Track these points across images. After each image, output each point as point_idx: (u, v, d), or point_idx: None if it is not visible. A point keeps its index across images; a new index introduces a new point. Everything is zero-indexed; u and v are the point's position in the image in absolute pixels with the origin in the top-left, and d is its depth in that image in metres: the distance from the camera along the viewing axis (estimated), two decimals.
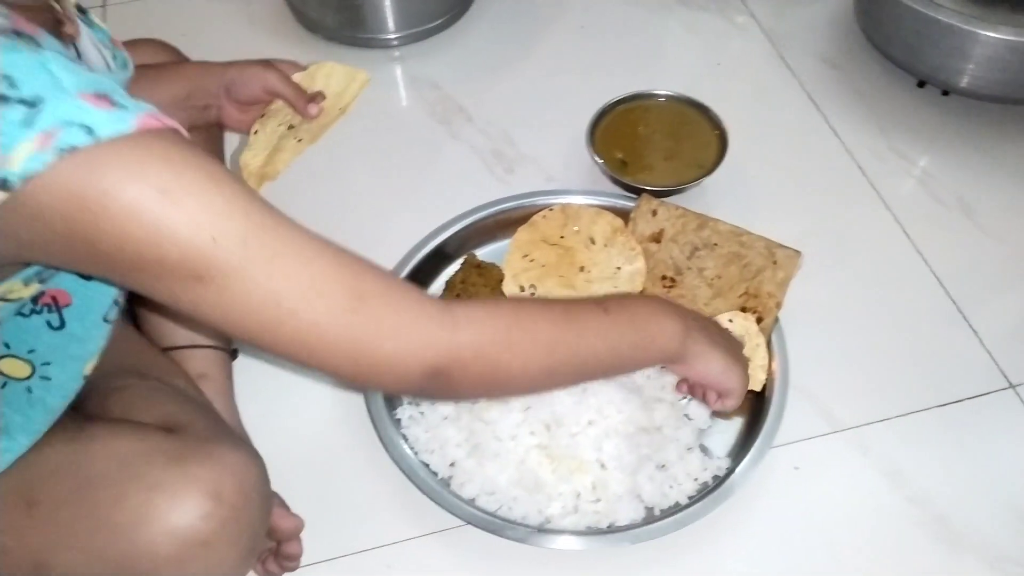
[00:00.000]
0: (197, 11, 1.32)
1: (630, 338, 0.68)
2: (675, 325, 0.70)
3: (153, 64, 0.83)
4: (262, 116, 0.85)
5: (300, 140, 0.85)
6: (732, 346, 0.77)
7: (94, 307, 0.65)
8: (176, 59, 0.86)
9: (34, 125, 0.44)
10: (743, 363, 0.77)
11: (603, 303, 0.67)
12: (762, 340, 0.86)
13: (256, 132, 0.85)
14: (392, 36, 1.22)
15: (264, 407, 0.87)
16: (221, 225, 0.48)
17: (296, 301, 0.51)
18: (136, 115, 0.46)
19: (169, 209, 0.46)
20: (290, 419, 0.88)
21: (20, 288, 0.56)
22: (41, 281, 0.58)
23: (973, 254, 1.00)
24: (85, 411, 0.71)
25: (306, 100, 0.83)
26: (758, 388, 0.84)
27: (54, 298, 0.63)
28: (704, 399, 0.79)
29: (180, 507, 0.59)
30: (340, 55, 1.22)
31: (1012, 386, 0.89)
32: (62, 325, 0.64)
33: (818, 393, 0.88)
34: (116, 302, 0.66)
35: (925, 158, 1.10)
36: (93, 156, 0.45)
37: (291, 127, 0.85)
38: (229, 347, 0.88)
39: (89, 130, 0.45)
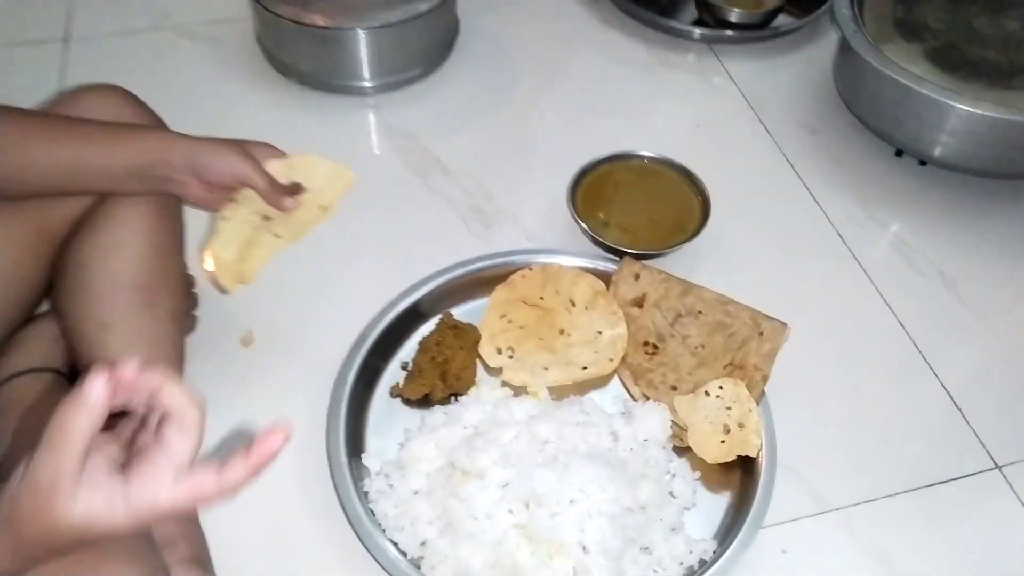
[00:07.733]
0: (165, 50, 1.27)
1: None
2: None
3: (112, 123, 0.77)
4: (232, 201, 0.79)
5: (278, 236, 0.80)
6: None
7: None
8: (138, 112, 0.80)
9: None
10: None
11: None
12: (754, 405, 0.83)
13: (225, 219, 0.79)
14: (367, 84, 1.18)
15: None
16: None
17: None
18: None
19: None
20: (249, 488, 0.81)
21: None
22: None
23: (955, 329, 0.99)
24: None
25: (280, 194, 0.77)
26: (753, 454, 0.81)
27: None
28: None
29: None
30: (312, 100, 1.19)
31: (998, 467, 0.87)
32: None
33: (805, 471, 0.85)
34: None
35: (904, 228, 1.09)
36: None
37: (266, 218, 0.80)
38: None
39: None
